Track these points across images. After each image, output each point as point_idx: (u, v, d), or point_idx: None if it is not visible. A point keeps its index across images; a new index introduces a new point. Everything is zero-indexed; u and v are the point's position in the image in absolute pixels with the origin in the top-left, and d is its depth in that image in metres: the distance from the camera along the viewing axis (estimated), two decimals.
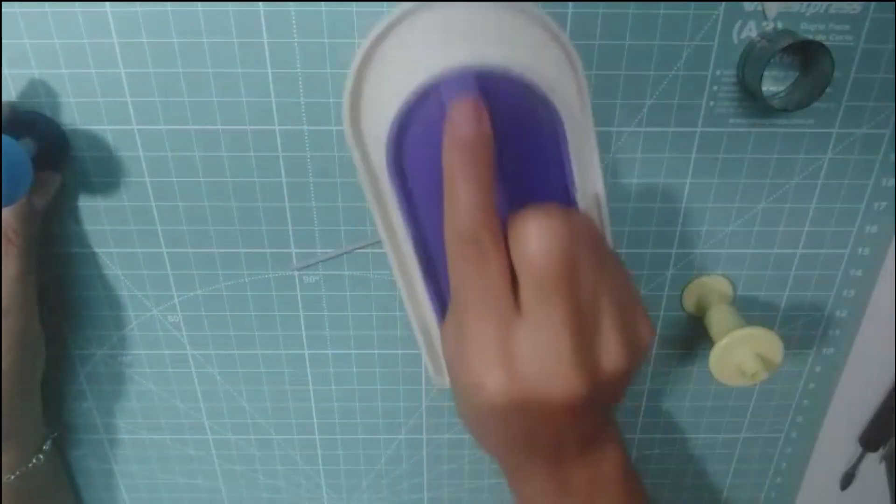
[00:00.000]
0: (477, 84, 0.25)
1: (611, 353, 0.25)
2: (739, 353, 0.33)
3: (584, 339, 0.25)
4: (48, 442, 0.38)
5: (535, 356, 0.24)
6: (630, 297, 0.27)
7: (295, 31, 0.30)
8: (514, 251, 0.24)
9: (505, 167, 0.26)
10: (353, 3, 0.29)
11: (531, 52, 0.27)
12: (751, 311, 0.37)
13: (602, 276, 0.25)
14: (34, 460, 0.37)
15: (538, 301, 0.24)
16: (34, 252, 0.32)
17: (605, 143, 0.32)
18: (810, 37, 0.29)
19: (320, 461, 0.43)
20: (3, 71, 0.30)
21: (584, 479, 0.27)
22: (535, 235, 0.24)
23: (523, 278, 0.24)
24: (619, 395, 0.27)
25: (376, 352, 0.38)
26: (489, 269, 0.25)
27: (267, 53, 0.30)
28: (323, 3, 0.29)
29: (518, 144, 0.27)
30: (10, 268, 0.31)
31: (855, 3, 0.29)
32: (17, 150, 0.28)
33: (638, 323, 0.27)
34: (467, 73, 0.25)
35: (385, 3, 0.29)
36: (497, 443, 0.28)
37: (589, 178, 0.29)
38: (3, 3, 0.29)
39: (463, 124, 0.24)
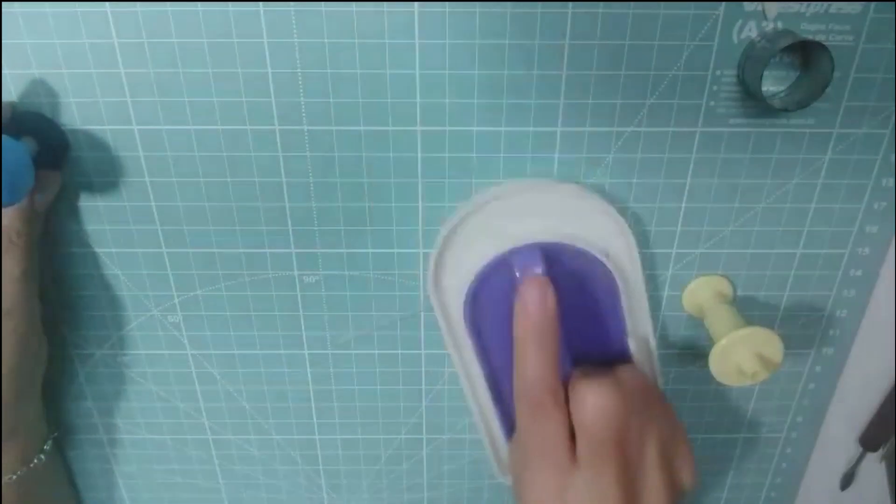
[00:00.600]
0: (542, 252, 0.31)
1: (654, 498, 0.29)
2: (739, 353, 0.33)
3: (631, 490, 0.29)
4: (49, 442, 0.38)
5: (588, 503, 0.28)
6: (675, 439, 0.31)
7: (295, 31, 0.30)
8: (574, 412, 0.29)
9: (568, 317, 0.31)
10: (353, 3, 0.29)
11: (588, 224, 0.32)
12: (751, 311, 0.37)
13: (649, 423, 0.29)
14: (35, 460, 0.37)
15: (592, 456, 0.28)
16: (36, 252, 0.32)
17: (605, 143, 0.32)
18: (810, 37, 0.29)
19: (320, 461, 0.43)
20: (3, 71, 0.30)
21: None
22: (591, 403, 0.28)
23: (580, 436, 0.29)
24: None
25: (376, 352, 0.38)
26: (550, 426, 0.29)
27: (267, 53, 0.30)
28: (323, 3, 0.29)
29: (579, 298, 0.33)
30: (12, 268, 0.31)
31: (855, 3, 0.29)
32: (19, 150, 0.28)
33: (682, 465, 0.31)
34: (533, 247, 0.31)
35: (385, 4, 0.29)
36: None
37: (639, 323, 0.35)
38: (3, 3, 0.29)
39: (532, 302, 0.29)
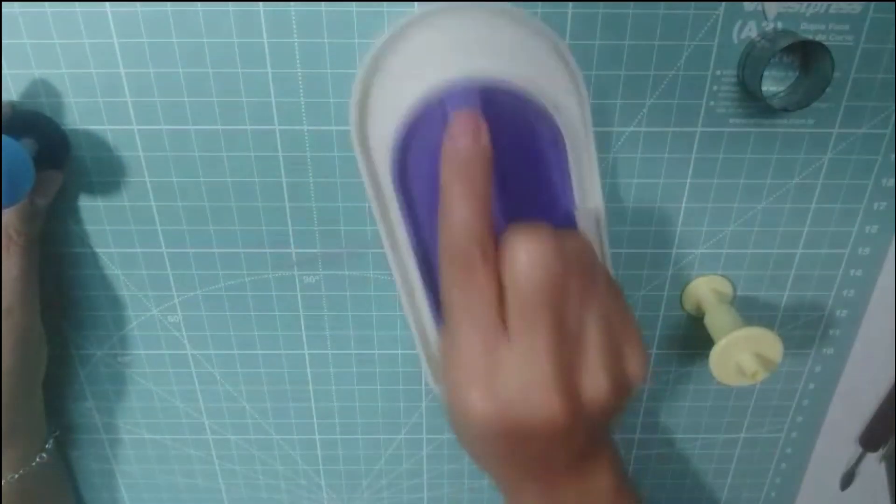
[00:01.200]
0: (480, 98, 0.26)
1: (594, 383, 0.25)
2: (739, 353, 0.33)
3: (567, 364, 0.25)
4: (51, 440, 0.38)
5: (516, 379, 0.24)
6: (624, 327, 0.27)
7: (295, 31, 0.30)
8: (504, 268, 0.24)
9: (506, 180, 0.26)
10: (353, 3, 0.29)
11: (535, 67, 0.27)
12: (751, 311, 0.37)
13: (592, 302, 0.25)
14: (38, 459, 0.37)
15: (522, 323, 0.24)
16: (36, 251, 0.33)
17: (605, 143, 0.32)
18: (810, 37, 0.29)
19: (320, 461, 0.43)
20: (3, 71, 0.30)
21: (574, 496, 0.27)
22: (522, 256, 0.24)
23: (509, 299, 0.24)
24: (609, 421, 0.27)
25: (376, 352, 0.38)
26: (477, 286, 0.25)
27: (267, 53, 0.30)
28: (323, 3, 0.29)
29: (520, 157, 0.28)
30: (13, 267, 0.31)
31: (855, 3, 0.29)
32: (19, 150, 0.28)
33: (629, 356, 0.27)
34: (471, 87, 0.26)
35: (385, 4, 0.29)
36: (487, 460, 0.28)
37: (588, 193, 0.30)
38: (3, 3, 0.29)
39: (461, 137, 0.25)
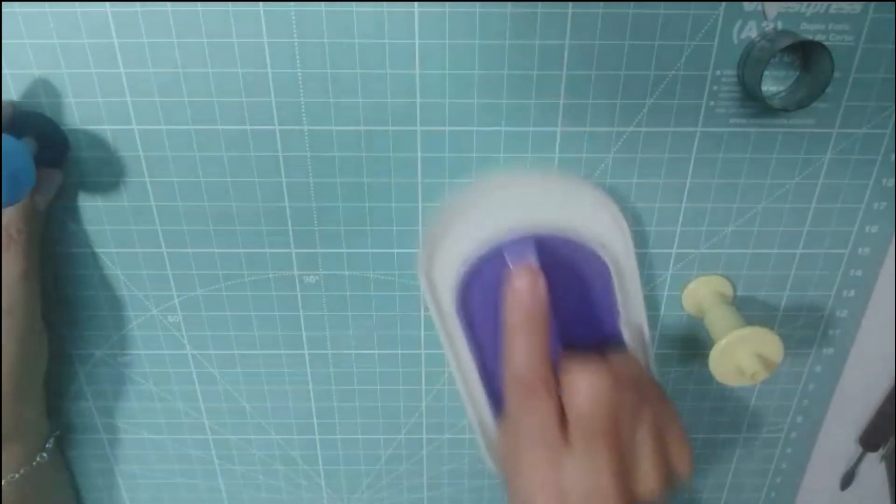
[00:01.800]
0: (536, 243, 0.31)
1: (647, 485, 0.29)
2: (739, 353, 0.33)
3: (623, 474, 0.28)
4: (51, 440, 0.38)
5: (580, 488, 0.28)
6: (670, 428, 0.31)
7: (295, 31, 0.30)
8: (566, 397, 0.29)
9: (561, 308, 0.31)
10: (353, 3, 0.29)
11: (582, 214, 0.32)
12: (751, 311, 0.37)
13: (644, 413, 0.29)
14: (38, 458, 0.37)
15: (585, 440, 0.28)
16: (36, 251, 0.33)
17: (605, 143, 0.32)
18: (810, 37, 0.29)
19: (320, 461, 0.43)
20: (3, 71, 0.30)
21: None
22: (583, 388, 0.28)
23: (572, 420, 0.28)
24: None
25: (376, 352, 0.38)
26: (541, 411, 0.29)
27: (267, 53, 0.30)
28: (323, 3, 0.29)
29: (573, 289, 0.33)
30: (13, 267, 0.31)
31: (855, 3, 0.29)
32: (20, 149, 0.28)
33: (676, 454, 0.31)
34: (527, 238, 0.31)
35: (385, 4, 0.29)
36: None
37: (632, 311, 0.35)
38: (3, 3, 0.29)
39: (522, 289, 0.30)
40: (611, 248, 0.33)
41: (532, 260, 0.31)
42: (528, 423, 0.29)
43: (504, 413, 0.32)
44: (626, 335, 0.35)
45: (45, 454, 0.37)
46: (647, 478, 0.29)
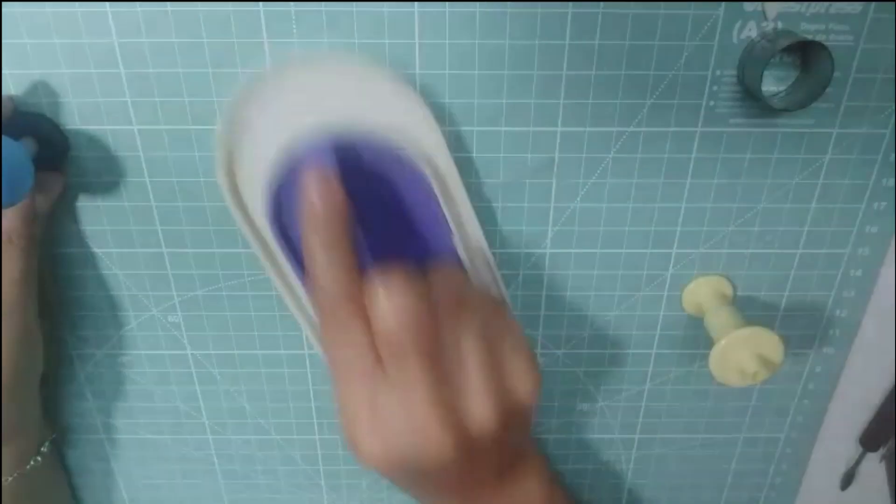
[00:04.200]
0: (336, 150, 0.27)
1: (478, 407, 0.26)
2: (739, 353, 0.33)
3: (445, 396, 0.25)
4: (47, 444, 0.38)
5: (398, 418, 0.25)
6: (510, 347, 0.27)
7: (295, 31, 0.30)
8: (371, 316, 0.25)
9: (380, 218, 0.28)
10: (354, 4, 0.29)
11: (389, 113, 0.28)
12: (751, 311, 0.37)
13: (467, 328, 0.26)
14: (32, 462, 0.37)
15: (394, 361, 0.25)
16: (36, 254, 0.32)
17: (605, 143, 0.32)
18: (810, 37, 0.29)
19: (320, 461, 0.43)
20: (3, 71, 0.30)
21: None
22: (385, 306, 0.25)
23: (379, 341, 0.25)
24: (516, 436, 0.27)
25: None
26: (349, 334, 0.26)
27: (267, 53, 0.30)
28: (323, 3, 0.29)
29: (390, 198, 0.29)
30: (12, 269, 0.31)
31: (855, 3, 0.29)
32: (19, 150, 0.28)
33: (516, 374, 0.27)
34: (322, 141, 0.27)
35: (385, 4, 0.29)
36: (401, 486, 0.28)
37: (468, 231, 0.31)
38: (3, 3, 0.29)
39: (313, 196, 0.25)
40: (427, 152, 0.29)
41: (327, 165, 0.27)
42: (337, 349, 0.26)
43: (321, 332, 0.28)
44: (463, 254, 0.31)
45: (39, 458, 0.37)
46: (477, 402, 0.26)
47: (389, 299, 0.25)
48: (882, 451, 0.42)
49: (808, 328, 0.38)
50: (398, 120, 0.28)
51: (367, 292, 0.25)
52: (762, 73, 0.29)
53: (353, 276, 0.26)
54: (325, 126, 0.27)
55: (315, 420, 0.41)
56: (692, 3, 0.29)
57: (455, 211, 0.30)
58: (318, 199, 0.25)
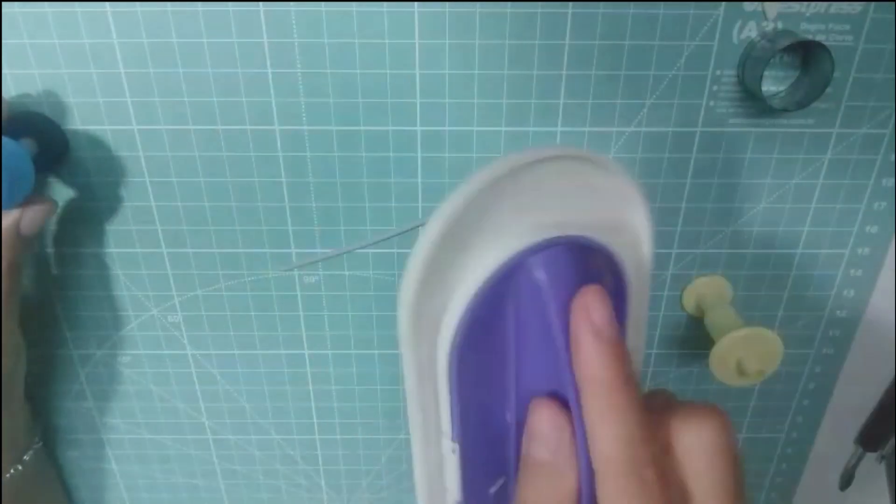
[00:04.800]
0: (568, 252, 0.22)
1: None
2: (739, 353, 0.33)
3: None
4: (29, 453, 0.37)
5: None
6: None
7: (295, 31, 0.30)
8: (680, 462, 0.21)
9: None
10: (353, 3, 0.29)
11: (611, 210, 0.24)
12: (751, 311, 0.37)
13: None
14: (11, 471, 0.36)
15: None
16: (20, 275, 0.32)
17: (605, 143, 0.32)
18: (810, 37, 0.29)
19: (320, 461, 0.43)
20: (3, 71, 0.30)
21: None
22: (716, 439, 0.21)
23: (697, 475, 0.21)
24: None
25: (376, 352, 0.38)
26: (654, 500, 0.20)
27: (267, 53, 0.30)
28: (323, 3, 0.29)
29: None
30: None
31: (855, 3, 0.29)
32: (19, 150, 0.28)
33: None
34: (559, 247, 0.22)
35: (385, 4, 0.29)
36: None
37: (640, 334, 0.27)
38: (3, 3, 0.29)
39: (598, 314, 0.21)
40: (632, 256, 0.24)
41: (581, 277, 0.22)
42: None
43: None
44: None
45: (19, 466, 0.36)
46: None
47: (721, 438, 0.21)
48: (881, 451, 0.42)
49: (808, 328, 0.38)
50: (615, 217, 0.24)
51: (677, 419, 0.21)
52: (762, 73, 0.29)
53: (650, 429, 0.21)
54: (546, 229, 0.22)
55: (315, 420, 0.41)
56: (692, 3, 0.29)
57: (634, 315, 0.26)
58: (604, 321, 0.20)
